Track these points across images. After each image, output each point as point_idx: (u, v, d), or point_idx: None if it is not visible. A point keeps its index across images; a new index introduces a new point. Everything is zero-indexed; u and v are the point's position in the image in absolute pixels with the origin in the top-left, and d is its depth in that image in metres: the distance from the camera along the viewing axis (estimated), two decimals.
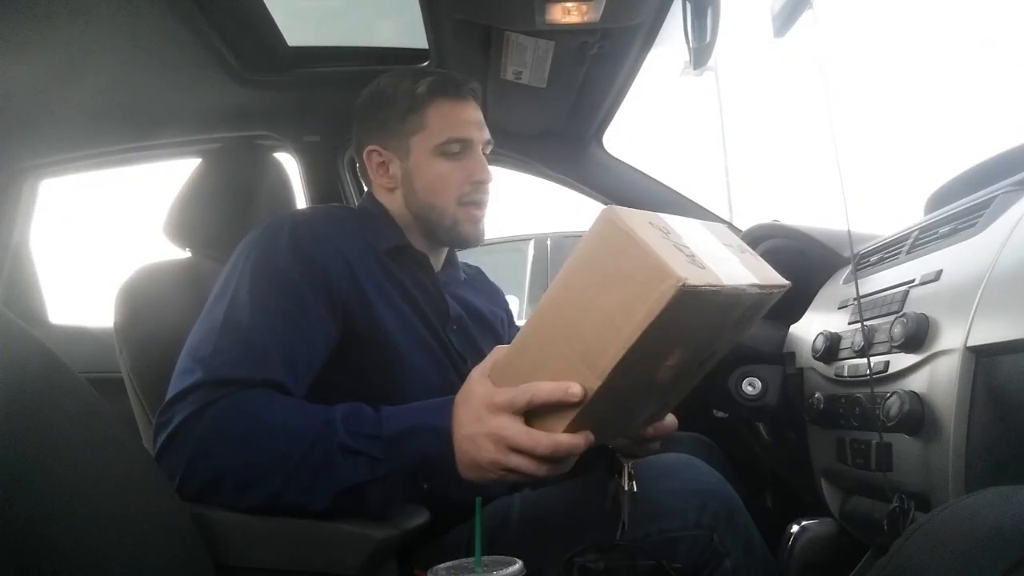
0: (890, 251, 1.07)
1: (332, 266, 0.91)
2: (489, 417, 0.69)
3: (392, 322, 0.95)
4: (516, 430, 0.67)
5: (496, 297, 1.25)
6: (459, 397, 0.73)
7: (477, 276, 1.27)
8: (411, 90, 1.03)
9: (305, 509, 0.74)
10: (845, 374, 0.99)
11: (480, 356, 0.81)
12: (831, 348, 1.03)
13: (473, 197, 1.04)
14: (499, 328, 1.18)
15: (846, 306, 1.08)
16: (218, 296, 0.88)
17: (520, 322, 1.17)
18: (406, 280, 1.00)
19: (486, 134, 1.06)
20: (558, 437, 0.66)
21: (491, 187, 1.07)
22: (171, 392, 0.79)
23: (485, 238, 1.09)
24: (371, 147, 1.06)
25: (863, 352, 0.92)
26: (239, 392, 0.78)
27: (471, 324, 1.09)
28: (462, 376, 0.86)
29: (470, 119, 1.04)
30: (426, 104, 1.02)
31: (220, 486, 0.75)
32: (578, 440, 0.67)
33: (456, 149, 1.02)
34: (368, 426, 0.75)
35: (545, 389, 0.65)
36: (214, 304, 0.88)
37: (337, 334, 0.91)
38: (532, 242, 3.76)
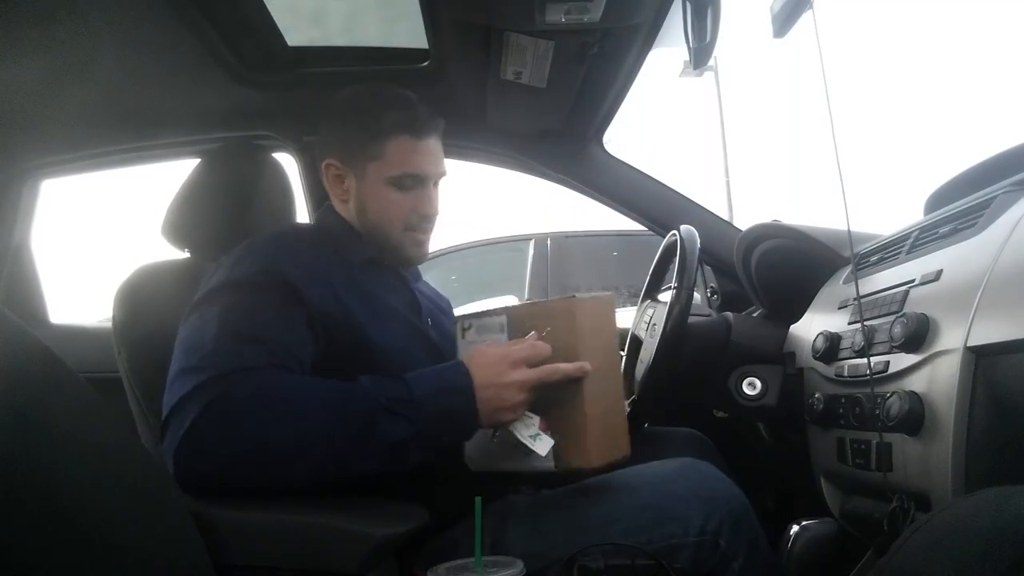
0: (890, 251, 1.07)
1: (312, 285, 0.92)
2: (510, 371, 0.85)
3: (376, 331, 0.97)
4: (536, 374, 0.86)
5: (436, 294, 1.30)
6: (472, 360, 0.86)
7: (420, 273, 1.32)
8: (376, 118, 1.04)
9: (355, 469, 0.81)
10: (845, 374, 0.99)
11: (451, 342, 1.00)
12: (831, 348, 1.03)
13: (418, 225, 1.08)
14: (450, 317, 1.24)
15: (846, 306, 1.08)
16: (204, 308, 0.89)
17: None
18: (381, 288, 1.04)
19: (441, 168, 1.10)
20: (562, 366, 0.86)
21: (437, 218, 1.11)
22: (177, 393, 0.79)
23: (427, 257, 1.13)
24: (329, 160, 1.08)
25: (863, 352, 0.92)
26: (258, 373, 0.81)
27: (439, 314, 1.16)
28: (445, 360, 1.01)
29: (428, 154, 1.06)
30: (387, 136, 1.04)
31: (267, 459, 0.78)
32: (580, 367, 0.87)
33: (409, 183, 1.05)
34: (398, 390, 0.83)
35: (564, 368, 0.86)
36: (205, 313, 0.88)
37: (319, 348, 0.92)
38: (532, 242, 3.76)
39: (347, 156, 1.06)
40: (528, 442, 0.85)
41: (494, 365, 0.85)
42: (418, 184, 1.06)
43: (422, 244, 1.10)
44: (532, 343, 0.88)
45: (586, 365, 0.87)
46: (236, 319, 0.85)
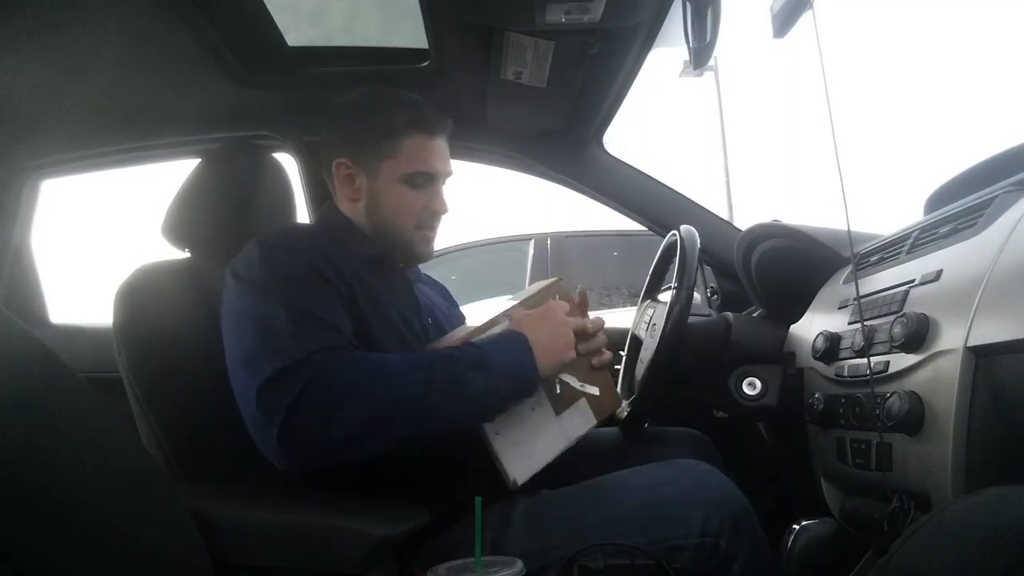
0: (890, 251, 1.07)
1: (332, 275, 0.95)
2: (559, 317, 0.97)
3: (378, 326, 0.98)
4: (577, 323, 1.00)
5: (440, 288, 1.32)
6: (521, 325, 0.95)
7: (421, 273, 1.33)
8: (389, 117, 1.06)
9: (447, 426, 0.88)
10: (845, 374, 0.99)
11: None
12: (831, 348, 1.03)
13: (429, 223, 1.11)
14: (453, 313, 1.27)
15: (846, 306, 1.08)
16: (253, 308, 0.90)
17: None
18: (383, 285, 1.04)
19: (449, 167, 1.13)
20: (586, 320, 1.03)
21: (445, 216, 1.14)
22: (260, 376, 0.81)
23: (434, 255, 1.16)
24: (340, 160, 1.09)
25: (863, 352, 0.92)
26: (343, 352, 0.86)
27: (438, 313, 1.18)
28: None
29: (438, 153, 1.10)
30: (401, 135, 1.06)
31: (372, 427, 0.82)
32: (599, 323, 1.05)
33: (421, 181, 1.08)
34: (471, 351, 0.90)
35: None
36: (258, 304, 0.90)
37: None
38: (532, 242, 3.76)
39: (359, 155, 1.08)
40: (581, 388, 1.00)
41: (543, 317, 0.96)
42: (429, 182, 1.09)
43: (430, 241, 1.13)
44: (560, 303, 1.00)
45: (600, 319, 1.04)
46: (299, 306, 0.88)
